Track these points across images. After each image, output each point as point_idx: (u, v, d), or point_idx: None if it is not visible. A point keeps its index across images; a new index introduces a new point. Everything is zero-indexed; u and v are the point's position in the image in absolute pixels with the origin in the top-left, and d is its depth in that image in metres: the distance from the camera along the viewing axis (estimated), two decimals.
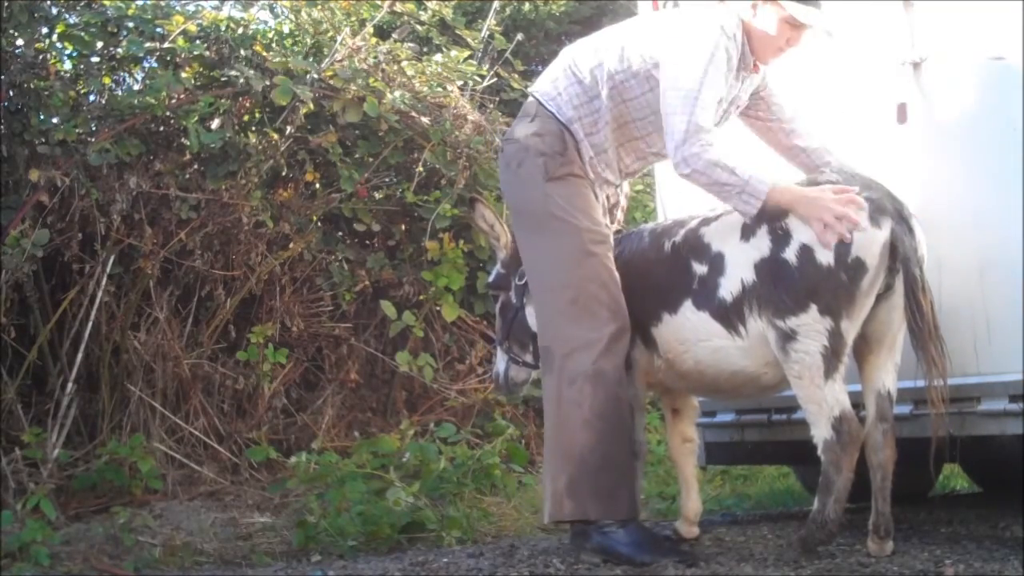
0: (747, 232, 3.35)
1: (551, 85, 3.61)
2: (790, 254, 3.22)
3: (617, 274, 3.53)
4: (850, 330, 3.21)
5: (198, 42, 5.29)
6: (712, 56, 3.31)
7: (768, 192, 3.22)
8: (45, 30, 5.20)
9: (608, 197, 3.79)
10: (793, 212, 3.23)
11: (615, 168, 3.64)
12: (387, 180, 5.87)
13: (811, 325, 3.19)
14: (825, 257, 3.17)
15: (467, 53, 6.03)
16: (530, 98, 3.69)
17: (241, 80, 5.19)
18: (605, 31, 3.69)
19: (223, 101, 5.29)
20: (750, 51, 3.48)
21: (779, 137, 3.74)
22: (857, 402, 3.33)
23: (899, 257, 3.18)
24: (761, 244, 3.30)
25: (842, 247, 3.15)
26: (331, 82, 5.37)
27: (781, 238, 3.25)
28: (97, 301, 5.03)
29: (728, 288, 3.38)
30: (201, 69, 5.41)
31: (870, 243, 3.17)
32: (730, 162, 3.24)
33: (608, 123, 3.53)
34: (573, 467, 3.44)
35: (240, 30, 5.53)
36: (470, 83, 5.97)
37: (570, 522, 3.56)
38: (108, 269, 5.06)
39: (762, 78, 3.67)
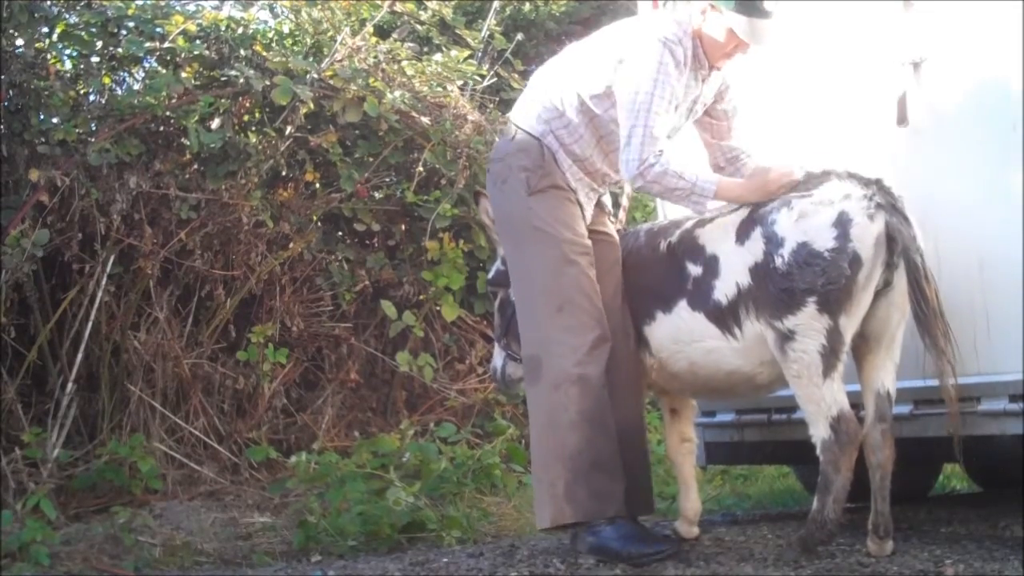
0: (741, 235, 3.36)
1: (522, 105, 3.78)
2: (785, 253, 3.23)
3: (597, 283, 3.60)
4: (848, 327, 3.21)
5: (198, 42, 5.29)
6: (659, 67, 3.43)
7: (716, 190, 3.44)
8: (45, 30, 5.20)
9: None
10: (744, 201, 3.43)
11: (598, 176, 3.71)
12: (387, 180, 5.87)
13: (809, 324, 3.19)
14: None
15: (467, 53, 6.03)
16: (509, 121, 3.82)
17: (241, 80, 5.19)
18: (568, 49, 3.83)
19: (223, 101, 5.29)
20: (703, 54, 3.57)
21: (715, 156, 3.82)
22: (856, 402, 3.33)
23: (898, 249, 3.19)
24: (755, 247, 3.31)
25: (837, 241, 3.16)
26: (331, 82, 5.37)
27: (775, 239, 3.26)
28: (97, 301, 5.03)
29: (723, 290, 3.39)
30: (201, 69, 5.41)
31: (864, 236, 3.17)
32: (678, 168, 3.43)
33: (585, 135, 3.62)
34: (567, 470, 3.49)
35: (240, 30, 5.53)
36: (470, 83, 5.98)
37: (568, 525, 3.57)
38: (108, 269, 5.06)
39: (722, 82, 3.73)
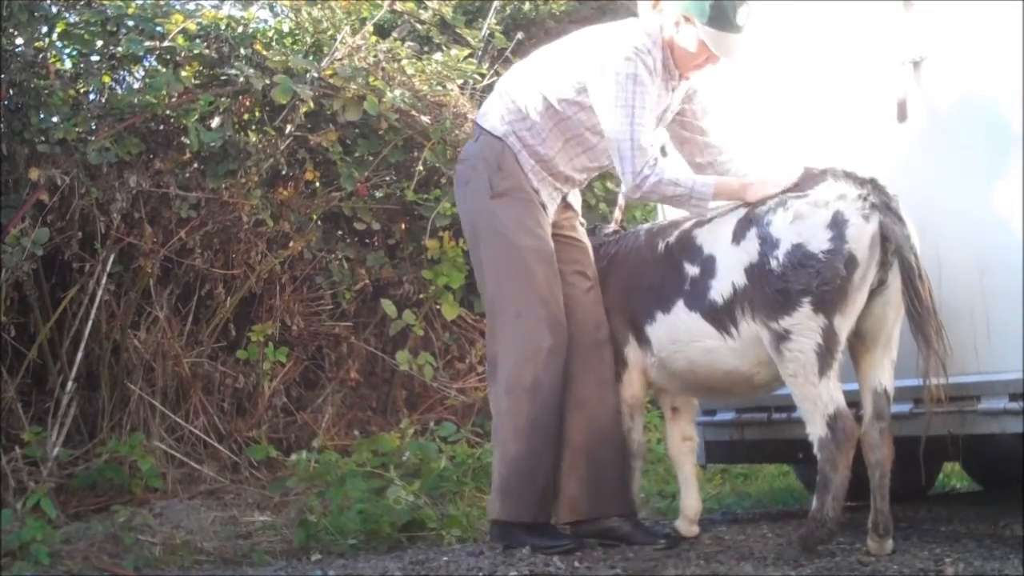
0: (737, 235, 3.37)
1: (487, 107, 3.83)
2: (780, 254, 3.23)
3: (558, 291, 3.65)
4: (843, 327, 3.21)
5: (198, 41, 5.29)
6: (635, 79, 3.49)
7: (714, 191, 3.49)
8: (45, 29, 5.19)
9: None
10: (741, 199, 3.46)
11: (561, 178, 3.75)
12: (387, 179, 5.87)
13: (804, 324, 3.19)
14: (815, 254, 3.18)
15: (467, 52, 6.03)
16: (475, 124, 3.87)
17: (241, 79, 5.19)
18: (536, 53, 3.89)
19: (223, 100, 5.28)
20: (673, 63, 3.62)
21: (692, 151, 3.84)
22: (855, 401, 3.33)
23: (892, 248, 3.19)
24: (751, 247, 3.31)
25: (832, 242, 3.16)
26: (331, 81, 5.37)
27: (771, 240, 3.26)
28: (97, 300, 5.03)
29: (719, 290, 3.40)
30: (201, 68, 5.40)
31: (859, 236, 3.17)
32: (673, 175, 3.50)
33: (549, 138, 3.66)
34: (506, 471, 3.63)
35: (240, 29, 5.53)
36: (470, 82, 5.97)
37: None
38: (108, 268, 5.06)
39: (688, 88, 3.77)
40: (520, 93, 3.71)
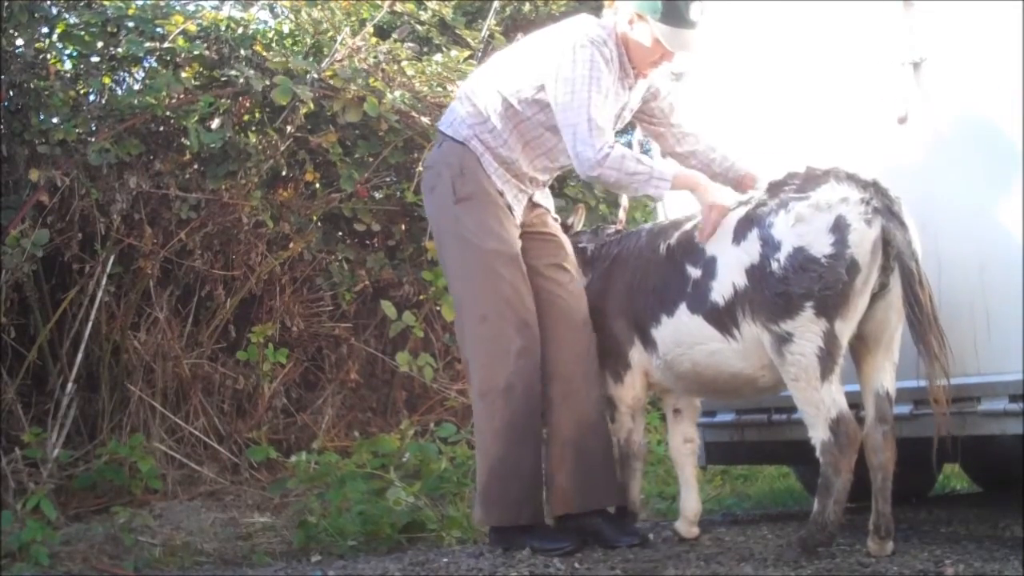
0: (738, 236, 3.36)
1: (449, 113, 3.84)
2: (781, 257, 3.22)
3: (525, 292, 3.64)
4: (844, 331, 3.20)
5: (198, 42, 5.29)
6: (592, 65, 3.50)
7: (673, 177, 3.49)
8: (45, 30, 5.20)
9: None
10: (694, 195, 3.50)
11: (525, 179, 3.76)
12: (387, 180, 5.87)
13: (806, 327, 3.18)
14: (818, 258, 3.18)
15: (467, 53, 6.03)
16: (437, 130, 3.89)
17: (241, 80, 5.19)
18: (494, 58, 3.91)
19: (223, 101, 5.28)
20: (628, 61, 3.63)
21: (670, 142, 3.89)
22: (856, 403, 3.33)
23: (893, 253, 3.18)
24: (752, 248, 3.30)
25: (834, 247, 3.16)
26: (331, 82, 5.37)
27: (772, 242, 3.25)
28: (97, 301, 5.03)
29: (720, 292, 3.39)
30: (201, 69, 5.41)
31: (862, 241, 3.16)
32: (635, 152, 3.51)
33: (509, 140, 3.67)
34: (484, 476, 3.63)
35: (240, 30, 5.53)
36: None
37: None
38: (108, 269, 5.06)
39: (649, 86, 3.79)
40: (480, 96, 3.72)
